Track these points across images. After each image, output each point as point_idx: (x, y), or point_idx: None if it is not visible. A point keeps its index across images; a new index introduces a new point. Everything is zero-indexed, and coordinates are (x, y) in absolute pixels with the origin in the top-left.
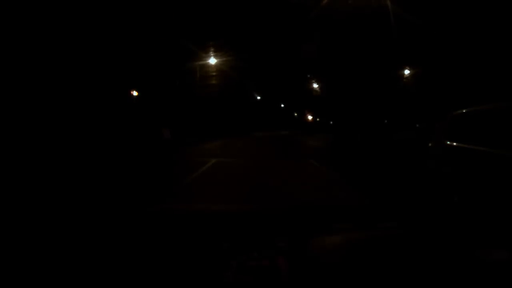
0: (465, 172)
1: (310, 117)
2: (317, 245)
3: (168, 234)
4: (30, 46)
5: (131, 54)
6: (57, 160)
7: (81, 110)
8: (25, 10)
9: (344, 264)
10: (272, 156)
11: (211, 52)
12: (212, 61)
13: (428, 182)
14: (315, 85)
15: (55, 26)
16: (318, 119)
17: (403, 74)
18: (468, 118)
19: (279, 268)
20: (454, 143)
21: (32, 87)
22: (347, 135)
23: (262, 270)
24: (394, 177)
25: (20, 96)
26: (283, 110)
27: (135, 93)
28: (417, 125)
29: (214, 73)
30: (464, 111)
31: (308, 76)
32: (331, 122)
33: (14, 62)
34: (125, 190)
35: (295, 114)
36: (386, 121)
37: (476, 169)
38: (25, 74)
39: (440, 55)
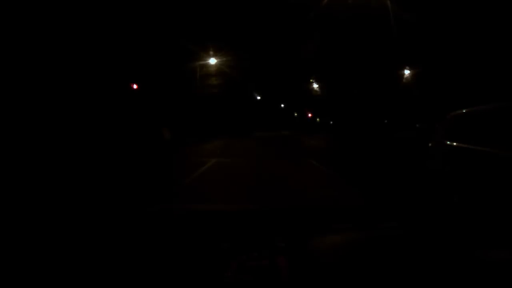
0: (465, 172)
1: (310, 117)
2: (317, 245)
3: (168, 234)
4: (27, 40)
5: (131, 54)
6: (56, 158)
7: (83, 110)
8: (27, 3)
9: (344, 264)
10: (272, 156)
11: (211, 52)
12: (212, 61)
13: (428, 182)
14: (315, 85)
15: (56, 22)
16: (318, 119)
17: (403, 74)
18: (468, 118)
19: (279, 268)
20: (454, 143)
21: (29, 84)
22: (347, 135)
23: (262, 270)
24: (394, 177)
25: (15, 94)
26: (283, 110)
27: (135, 92)
28: (417, 125)
29: (214, 73)
30: (464, 111)
31: (308, 76)
32: (331, 122)
33: (11, 58)
34: (125, 190)
35: (295, 114)
36: (386, 121)
37: (476, 169)
38: (20, 71)
39: (440, 55)
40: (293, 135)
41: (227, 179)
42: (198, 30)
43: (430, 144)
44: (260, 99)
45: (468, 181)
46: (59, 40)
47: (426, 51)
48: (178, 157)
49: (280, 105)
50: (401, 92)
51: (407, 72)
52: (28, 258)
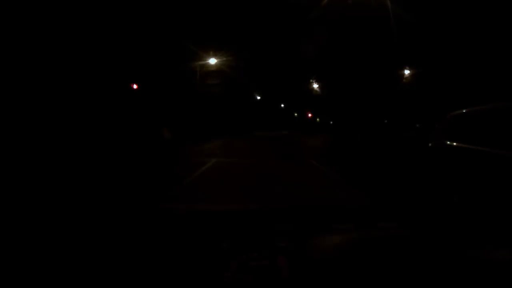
0: (465, 172)
1: (310, 117)
2: (317, 245)
3: (168, 234)
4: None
5: (131, 55)
6: (56, 158)
7: (83, 110)
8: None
9: (344, 264)
10: (273, 156)
11: (211, 52)
12: (212, 61)
13: (428, 182)
14: (315, 85)
15: (56, 22)
16: (318, 119)
17: (403, 74)
18: (468, 118)
19: (279, 268)
20: (454, 143)
21: (30, 84)
22: (347, 135)
23: (262, 270)
24: (394, 177)
25: (16, 94)
26: (283, 110)
27: (135, 92)
28: (417, 125)
29: (214, 73)
30: (463, 111)
31: (308, 76)
32: (331, 122)
33: (11, 59)
34: (124, 190)
35: (295, 114)
36: (386, 121)
37: (475, 169)
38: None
39: (440, 55)
40: (293, 135)
41: (227, 179)
42: (198, 30)
43: (430, 144)
44: (260, 99)
45: (468, 181)
46: (60, 40)
47: (426, 51)
48: (178, 157)
49: (280, 105)
50: (401, 92)
51: (407, 72)
52: (27, 256)
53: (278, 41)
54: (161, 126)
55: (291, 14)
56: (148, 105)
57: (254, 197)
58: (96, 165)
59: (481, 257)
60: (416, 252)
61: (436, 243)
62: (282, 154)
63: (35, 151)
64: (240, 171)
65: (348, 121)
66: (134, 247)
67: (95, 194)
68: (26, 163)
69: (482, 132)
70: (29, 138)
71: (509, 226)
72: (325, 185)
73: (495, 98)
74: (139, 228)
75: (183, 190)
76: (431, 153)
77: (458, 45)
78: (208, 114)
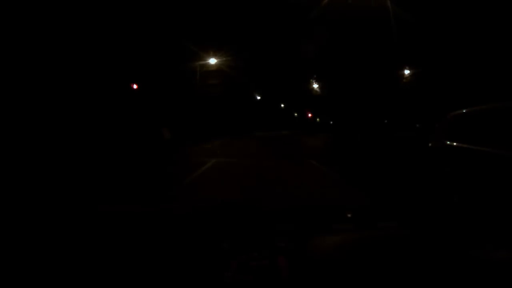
0: (465, 172)
1: (310, 117)
2: (317, 245)
3: (168, 234)
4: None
5: (131, 55)
6: (55, 158)
7: (83, 110)
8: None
9: (344, 264)
10: (273, 156)
11: (211, 52)
12: (212, 61)
13: (428, 182)
14: (315, 85)
15: (56, 23)
16: (318, 119)
17: (403, 74)
18: (468, 118)
19: (279, 268)
20: (454, 143)
21: (30, 84)
22: (347, 135)
23: (262, 270)
24: (394, 177)
25: (16, 94)
26: (283, 110)
27: (135, 92)
28: (417, 125)
29: (214, 73)
30: (463, 111)
31: (308, 76)
32: (331, 122)
33: (11, 59)
34: (124, 190)
35: (295, 114)
36: (386, 121)
37: (475, 169)
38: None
39: (440, 55)
40: (293, 135)
41: (227, 179)
42: (198, 30)
43: (430, 144)
44: (260, 99)
45: (468, 181)
46: (60, 40)
47: (426, 51)
48: (178, 157)
49: (280, 105)
50: (401, 92)
51: (407, 72)
52: (30, 260)
53: (278, 41)
54: (161, 126)
55: (291, 14)
56: (148, 105)
57: (254, 197)
58: (96, 165)
59: (481, 257)
60: (416, 252)
61: (436, 243)
62: (282, 154)
63: (35, 152)
64: (240, 171)
65: (348, 121)
66: (134, 247)
67: (96, 194)
68: (26, 164)
69: (482, 132)
70: (30, 138)
71: (509, 226)
72: (325, 185)
73: (495, 98)
74: (139, 228)
75: (183, 190)
76: (431, 153)
77: (458, 45)
78: (208, 114)
